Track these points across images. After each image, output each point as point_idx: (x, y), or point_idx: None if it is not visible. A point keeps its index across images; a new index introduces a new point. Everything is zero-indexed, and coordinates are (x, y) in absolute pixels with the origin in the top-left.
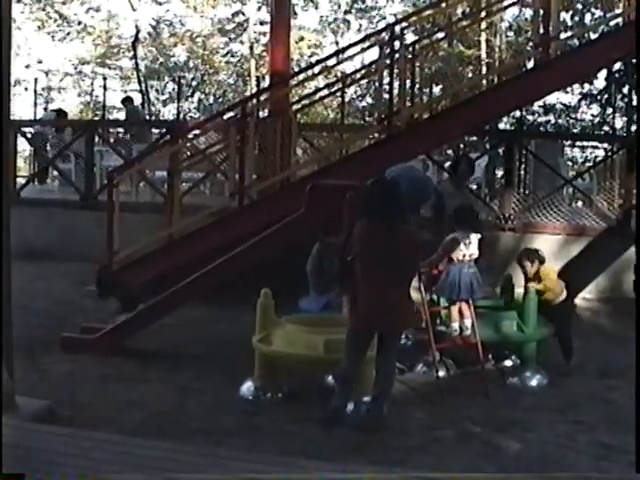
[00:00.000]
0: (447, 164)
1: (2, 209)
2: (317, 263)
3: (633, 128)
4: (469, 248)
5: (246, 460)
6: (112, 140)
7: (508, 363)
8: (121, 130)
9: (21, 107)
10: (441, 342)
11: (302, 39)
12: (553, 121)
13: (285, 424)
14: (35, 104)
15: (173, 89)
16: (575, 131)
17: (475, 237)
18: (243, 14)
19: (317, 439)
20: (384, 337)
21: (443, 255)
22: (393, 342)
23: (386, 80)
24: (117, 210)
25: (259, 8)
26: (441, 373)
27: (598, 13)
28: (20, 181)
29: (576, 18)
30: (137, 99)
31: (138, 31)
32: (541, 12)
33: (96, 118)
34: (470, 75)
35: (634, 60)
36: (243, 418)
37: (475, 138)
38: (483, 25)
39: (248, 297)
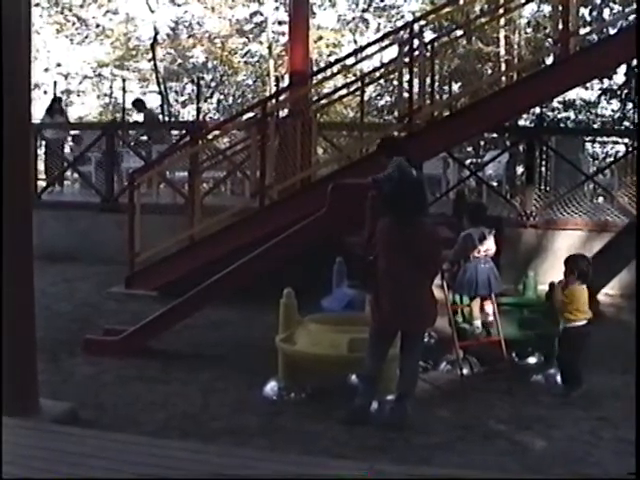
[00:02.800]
0: None
1: (24, 212)
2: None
3: None
4: (484, 244)
5: (271, 460)
6: (132, 142)
7: (532, 360)
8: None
9: (40, 111)
10: (464, 340)
11: (321, 38)
12: (573, 117)
13: (309, 424)
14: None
15: (192, 90)
16: (595, 127)
17: (489, 233)
18: (261, 14)
19: (341, 438)
20: (407, 335)
21: (459, 252)
22: (416, 340)
23: (405, 78)
24: (138, 212)
25: (277, 8)
26: (465, 371)
27: (617, 8)
28: (39, 184)
29: (595, 13)
30: (156, 101)
31: (156, 33)
32: (560, 8)
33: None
34: (489, 72)
35: None
36: (267, 418)
37: (495, 135)
38: (502, 22)
39: (270, 297)
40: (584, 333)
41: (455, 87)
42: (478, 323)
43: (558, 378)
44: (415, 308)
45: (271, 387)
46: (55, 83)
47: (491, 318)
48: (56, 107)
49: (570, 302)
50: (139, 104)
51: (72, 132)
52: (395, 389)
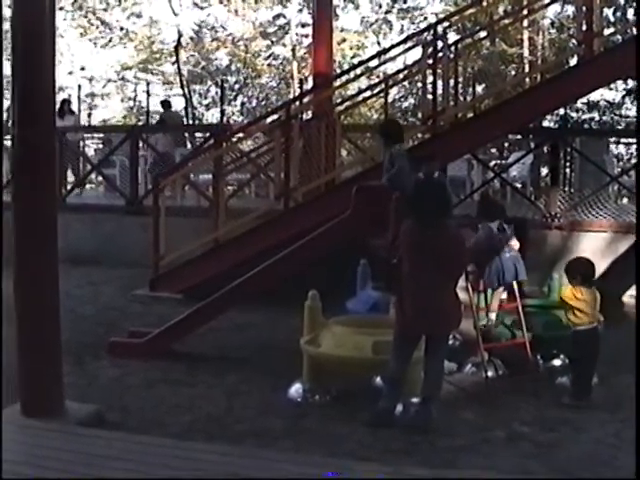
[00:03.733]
0: None
1: (49, 215)
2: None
3: None
4: (505, 235)
5: (295, 462)
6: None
7: (557, 362)
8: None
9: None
10: (489, 342)
11: (344, 40)
12: (597, 118)
13: (333, 426)
14: (79, 110)
15: (216, 93)
16: (620, 127)
17: (509, 227)
18: (284, 17)
19: (366, 441)
20: (432, 338)
21: (480, 245)
22: (441, 343)
23: (429, 80)
24: (163, 215)
25: (300, 10)
26: (490, 373)
27: None
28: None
29: (618, 14)
30: (180, 103)
31: (180, 36)
32: (583, 8)
33: (140, 123)
34: (513, 74)
35: None
36: (291, 420)
37: (519, 137)
38: (525, 23)
39: (295, 299)
40: (593, 337)
41: (479, 89)
42: (493, 316)
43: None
44: (439, 311)
45: (296, 389)
46: (79, 86)
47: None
48: (66, 108)
49: (577, 305)
50: (165, 105)
51: (100, 135)
52: (420, 392)
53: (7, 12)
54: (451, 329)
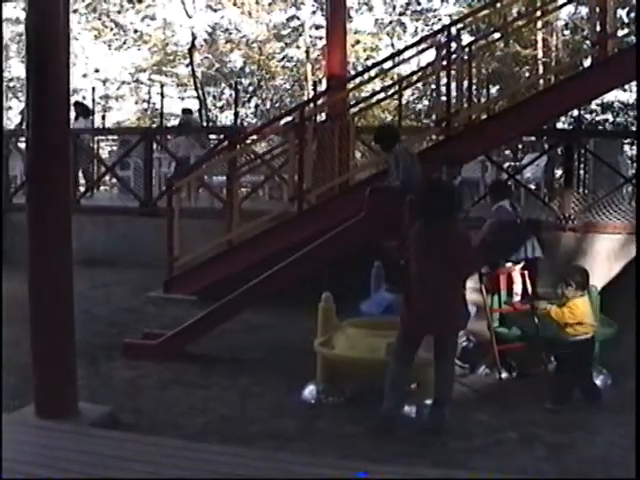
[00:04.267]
0: None
1: (64, 217)
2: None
3: None
4: (518, 212)
5: (309, 464)
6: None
7: None
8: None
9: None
10: (503, 344)
11: (358, 42)
12: (611, 119)
13: (347, 427)
14: (93, 112)
15: (230, 95)
16: (634, 129)
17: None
18: (298, 19)
19: (379, 442)
20: (439, 339)
21: (495, 225)
22: (449, 344)
23: (443, 81)
24: (176, 216)
25: (314, 12)
26: (503, 375)
27: None
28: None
29: (632, 15)
30: (194, 106)
31: (194, 38)
32: (597, 10)
33: (154, 125)
34: (527, 75)
35: None
36: (305, 422)
37: (533, 138)
38: (539, 24)
39: (309, 301)
40: (590, 347)
41: (493, 90)
42: (518, 289)
43: (598, 382)
44: (445, 311)
45: (309, 391)
46: (93, 89)
47: (518, 287)
48: (77, 110)
49: (573, 316)
50: (186, 112)
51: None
52: (433, 394)
53: (21, 14)
54: (458, 330)
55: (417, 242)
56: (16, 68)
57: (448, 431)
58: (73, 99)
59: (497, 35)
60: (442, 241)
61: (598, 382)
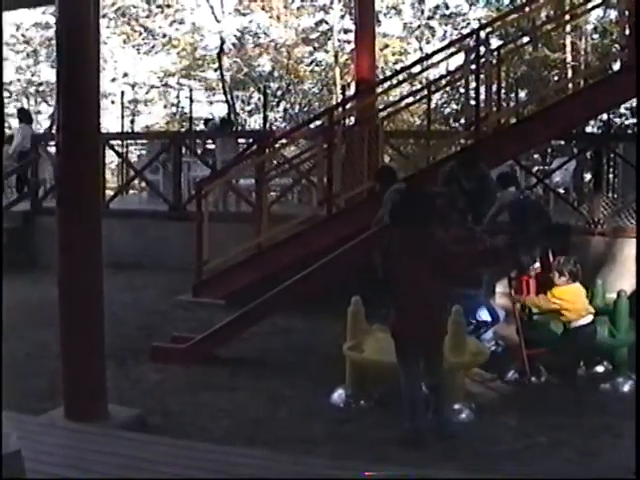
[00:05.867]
0: None
1: (94, 220)
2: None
3: None
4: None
5: (337, 468)
6: (199, 151)
7: (600, 369)
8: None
9: (108, 120)
10: (532, 348)
11: (387, 46)
12: None
13: (376, 432)
14: (122, 117)
15: (259, 99)
16: None
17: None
18: (327, 23)
19: (407, 447)
20: (429, 352)
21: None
22: (438, 352)
23: (472, 85)
24: (206, 220)
25: (343, 16)
26: (532, 379)
27: None
28: (107, 193)
29: None
30: (223, 110)
31: (223, 42)
32: (626, 13)
33: (182, 130)
34: (556, 79)
35: None
36: (333, 426)
37: (562, 142)
38: (568, 28)
39: (338, 305)
40: (588, 332)
41: (522, 94)
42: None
43: (626, 387)
44: (425, 318)
45: (338, 395)
46: (122, 93)
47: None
48: (20, 116)
49: (569, 302)
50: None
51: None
52: (430, 406)
53: (51, 19)
54: (438, 336)
55: (399, 253)
56: (46, 72)
57: (477, 436)
58: (102, 104)
59: (526, 39)
60: (423, 247)
61: (626, 388)
